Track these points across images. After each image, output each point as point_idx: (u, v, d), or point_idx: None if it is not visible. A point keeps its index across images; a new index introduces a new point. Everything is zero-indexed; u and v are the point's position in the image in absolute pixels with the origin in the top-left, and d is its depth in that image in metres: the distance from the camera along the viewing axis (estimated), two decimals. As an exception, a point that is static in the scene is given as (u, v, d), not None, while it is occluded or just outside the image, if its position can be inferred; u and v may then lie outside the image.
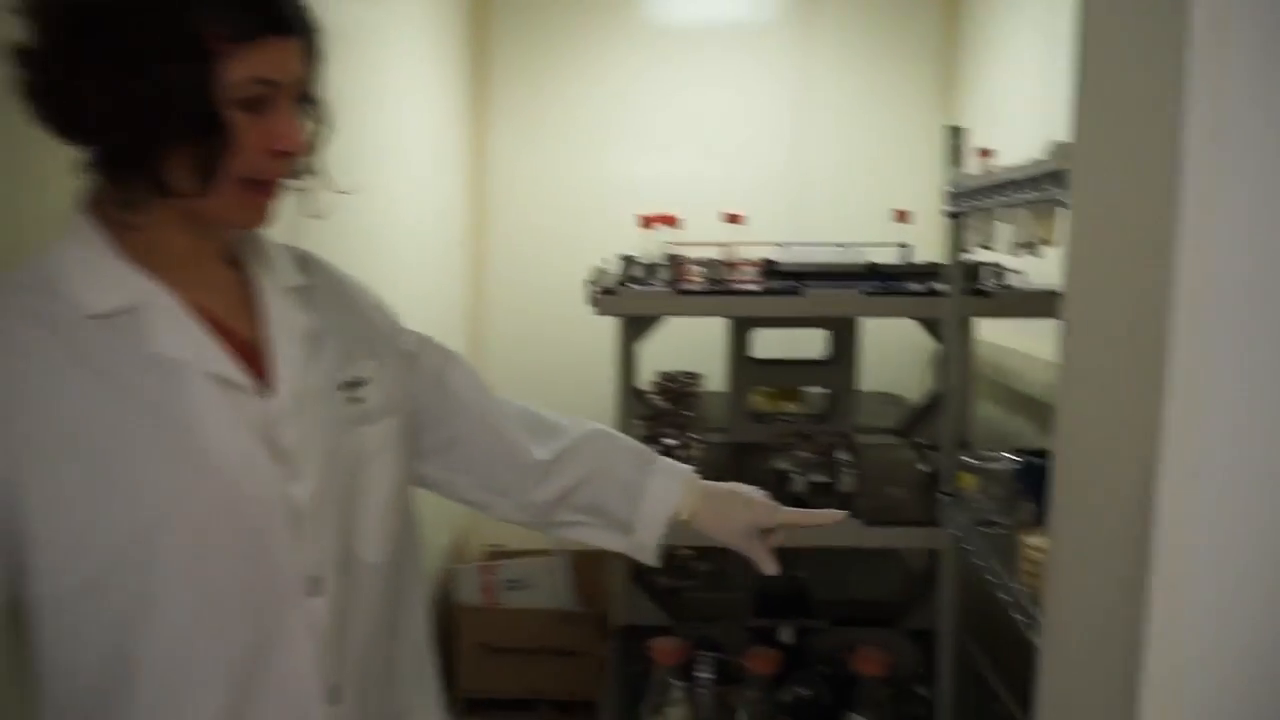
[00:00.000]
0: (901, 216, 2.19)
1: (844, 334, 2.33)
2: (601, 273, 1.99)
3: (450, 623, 2.94)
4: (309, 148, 0.95)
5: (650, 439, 2.10)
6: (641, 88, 3.50)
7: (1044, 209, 1.13)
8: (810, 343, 2.58)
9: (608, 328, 3.29)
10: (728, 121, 3.49)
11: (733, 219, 2.35)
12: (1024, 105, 2.80)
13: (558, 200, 3.53)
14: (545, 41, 3.51)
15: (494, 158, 3.56)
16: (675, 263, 1.92)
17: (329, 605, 0.93)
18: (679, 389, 2.68)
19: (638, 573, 2.29)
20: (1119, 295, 0.75)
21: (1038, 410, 2.22)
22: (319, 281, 1.04)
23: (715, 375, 2.88)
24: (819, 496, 1.82)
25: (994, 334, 2.37)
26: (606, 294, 1.86)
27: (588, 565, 3.20)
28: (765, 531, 1.18)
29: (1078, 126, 0.84)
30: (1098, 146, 0.82)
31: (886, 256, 2.05)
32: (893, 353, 2.94)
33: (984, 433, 2.41)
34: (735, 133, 3.48)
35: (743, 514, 1.18)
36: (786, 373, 2.50)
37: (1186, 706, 0.69)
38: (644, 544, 1.17)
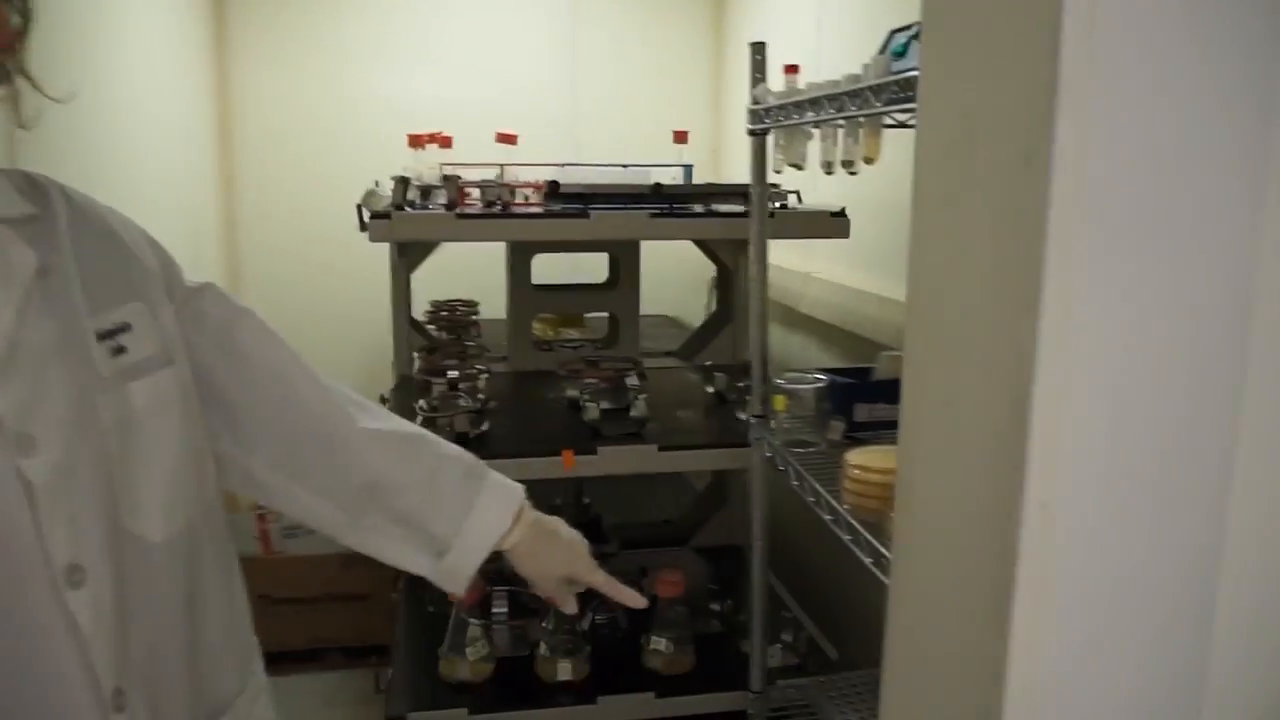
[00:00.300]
0: (680, 137, 2.16)
1: (626, 258, 2.29)
2: (372, 195, 1.84)
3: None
4: (10, 44, 0.80)
5: (431, 371, 2.00)
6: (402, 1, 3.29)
7: (871, 125, 1.11)
8: (590, 267, 2.53)
9: (378, 255, 3.14)
10: (497, 39, 3.36)
11: (507, 139, 2.24)
12: (793, 25, 2.85)
13: (315, 121, 3.29)
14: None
15: (238, 72, 3.25)
16: (451, 185, 1.80)
17: (96, 597, 0.79)
18: (456, 318, 2.58)
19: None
20: (976, 208, 0.72)
21: (817, 329, 2.29)
22: (55, 211, 0.87)
23: (492, 303, 2.79)
24: (611, 423, 1.79)
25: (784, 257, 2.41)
26: (379, 218, 1.72)
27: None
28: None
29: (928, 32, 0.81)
30: (950, 54, 0.80)
31: (669, 177, 2.02)
32: (669, 276, 2.95)
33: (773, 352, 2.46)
34: (506, 51, 3.35)
35: (561, 563, 1.09)
36: (568, 299, 2.45)
37: (1056, 628, 0.69)
38: (456, 570, 1.04)
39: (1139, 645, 0.72)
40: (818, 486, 1.24)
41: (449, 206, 1.77)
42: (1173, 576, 0.72)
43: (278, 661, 3.00)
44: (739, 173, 2.81)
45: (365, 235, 1.75)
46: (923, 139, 0.81)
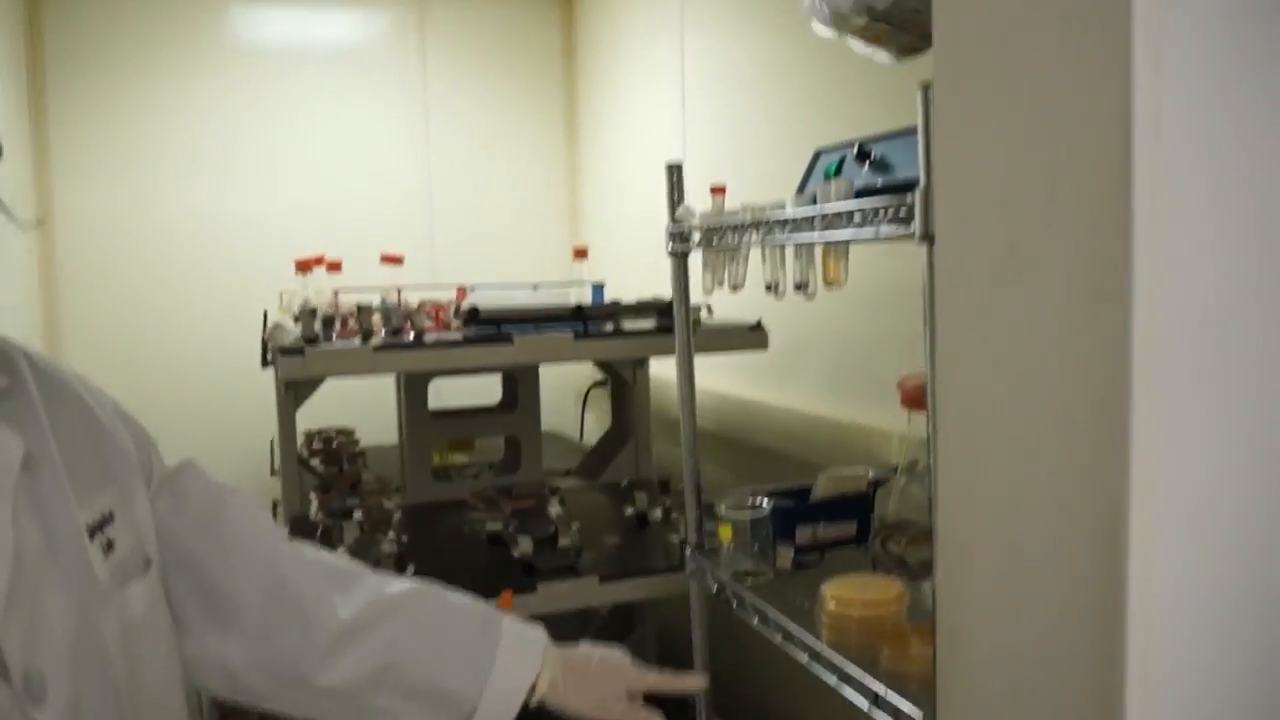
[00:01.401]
0: (579, 254, 2.15)
1: (526, 378, 2.24)
2: (279, 329, 1.73)
3: None
4: None
5: (336, 512, 1.87)
6: (252, 117, 3.17)
7: (838, 250, 1.12)
8: (478, 388, 2.46)
9: (228, 387, 2.95)
10: (361, 159, 3.27)
11: (393, 260, 2.17)
12: (645, 134, 2.92)
13: (143, 244, 3.08)
14: (115, 69, 3.05)
15: (64, 200, 3.02)
16: (365, 315, 1.72)
17: None
18: (338, 450, 2.45)
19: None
20: (1035, 344, 0.73)
21: (718, 443, 2.29)
22: (25, 381, 0.75)
23: (365, 427, 2.66)
24: (544, 557, 1.71)
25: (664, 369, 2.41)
26: (290, 354, 1.61)
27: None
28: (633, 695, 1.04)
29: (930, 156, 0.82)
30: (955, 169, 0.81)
31: (578, 295, 2.00)
32: (548, 392, 2.91)
33: (666, 465, 2.44)
34: (371, 168, 3.28)
35: (609, 685, 1.02)
36: (467, 424, 2.36)
37: None
38: None
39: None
40: (789, 624, 1.19)
41: (364, 339, 1.68)
42: None
43: None
44: (601, 276, 2.83)
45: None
46: (947, 268, 0.81)
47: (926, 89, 0.81)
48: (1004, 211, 0.74)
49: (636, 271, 2.69)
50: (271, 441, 2.32)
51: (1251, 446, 0.69)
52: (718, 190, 1.41)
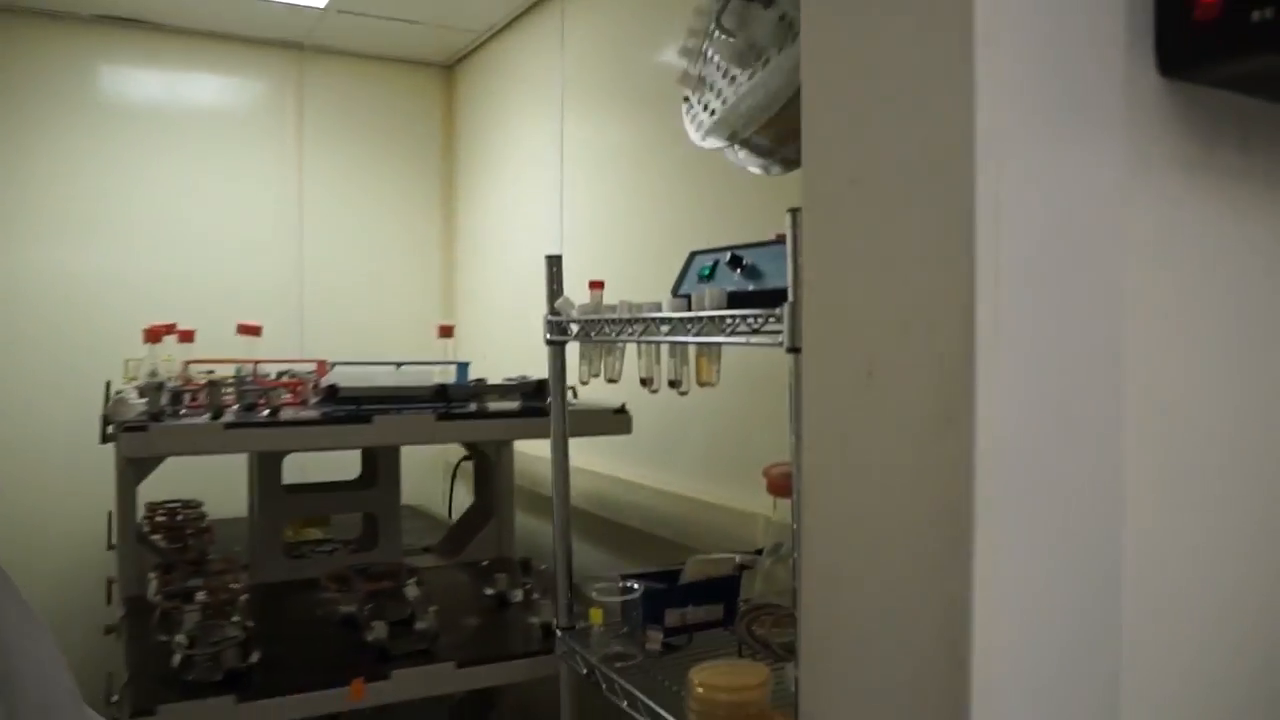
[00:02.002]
0: (445, 332, 2.14)
1: (385, 454, 2.20)
2: (121, 403, 1.65)
3: None
4: None
5: (177, 594, 1.78)
6: (113, 176, 3.04)
7: (711, 351, 1.16)
8: (332, 462, 2.39)
9: (56, 461, 2.78)
10: (229, 223, 3.17)
11: (250, 331, 2.12)
12: (522, 217, 2.94)
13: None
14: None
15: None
16: (215, 390, 1.66)
17: None
18: (182, 524, 2.33)
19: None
20: (894, 459, 0.77)
21: (589, 521, 2.28)
22: None
23: (210, 498, 2.54)
24: (399, 641, 1.67)
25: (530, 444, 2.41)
26: (133, 430, 1.54)
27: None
28: None
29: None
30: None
31: (440, 374, 1.98)
32: (416, 464, 2.85)
33: (531, 541, 2.42)
34: (239, 235, 3.18)
35: None
36: (323, 500, 2.29)
37: None
38: None
39: None
40: (658, 708, 1.21)
41: (215, 415, 1.62)
42: None
43: None
44: (472, 355, 2.81)
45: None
46: (812, 382, 0.86)
47: (795, 213, 0.86)
48: (863, 335, 0.79)
49: (508, 351, 2.69)
50: (110, 514, 2.20)
51: (1073, 545, 0.75)
52: (596, 285, 1.44)
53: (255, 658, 1.59)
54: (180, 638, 1.58)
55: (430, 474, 3.08)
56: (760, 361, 1.48)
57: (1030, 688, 0.73)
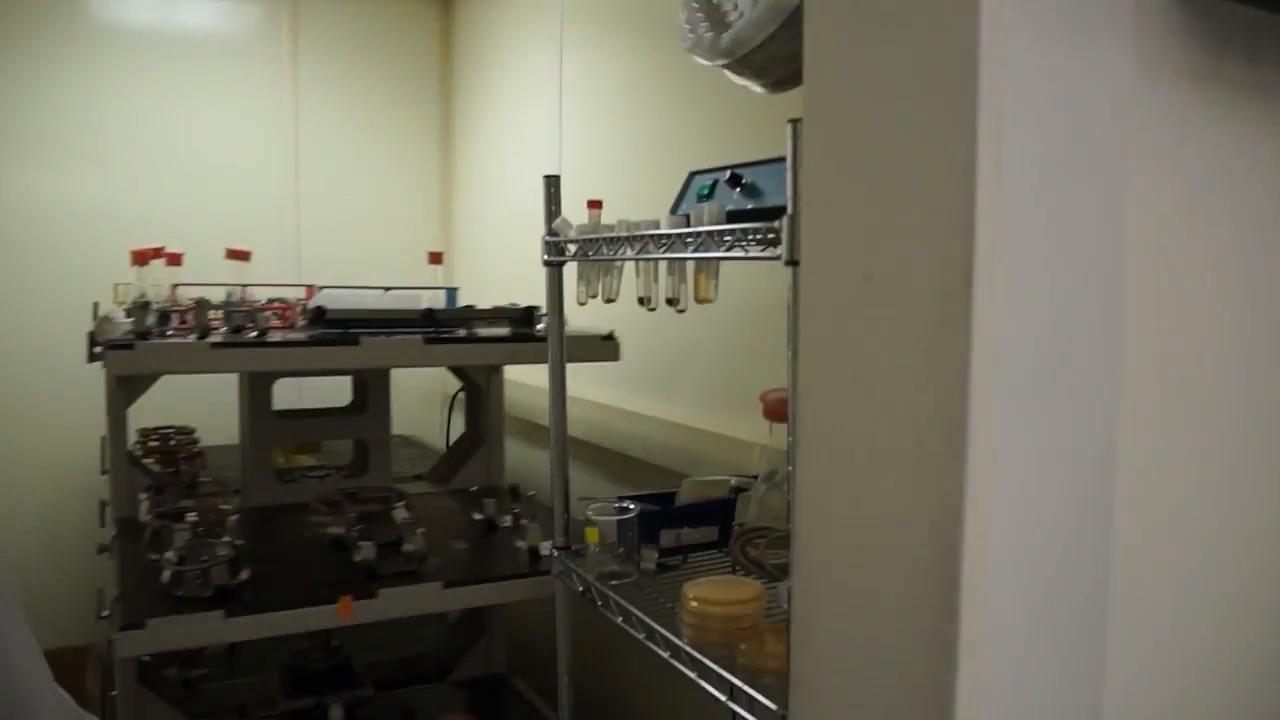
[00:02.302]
0: (435, 258, 2.12)
1: (376, 381, 2.19)
2: (107, 322, 1.63)
3: None
4: None
5: (169, 514, 1.78)
6: (105, 101, 2.98)
7: (710, 267, 1.15)
8: (326, 390, 2.39)
9: (54, 382, 2.78)
10: (223, 150, 3.12)
11: (239, 255, 2.09)
12: (521, 143, 2.90)
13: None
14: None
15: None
16: (202, 311, 1.64)
17: None
18: (174, 449, 2.33)
19: (142, 670, 1.92)
20: (887, 366, 0.76)
21: (584, 450, 2.28)
22: None
23: (205, 425, 2.54)
24: (387, 562, 1.68)
25: (520, 374, 2.40)
26: (118, 349, 1.53)
27: (65, 666, 2.63)
28: None
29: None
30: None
31: (430, 299, 1.97)
32: (402, 394, 2.85)
33: (525, 470, 2.43)
34: (232, 162, 3.12)
35: None
36: (313, 425, 2.29)
37: None
38: None
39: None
40: (652, 623, 1.22)
41: (201, 335, 1.61)
42: (1071, 701, 0.79)
43: None
44: (469, 283, 2.80)
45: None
46: (810, 292, 0.85)
47: (795, 124, 0.85)
48: (861, 242, 0.78)
49: (504, 279, 2.67)
50: (102, 438, 2.20)
51: (1067, 455, 0.75)
52: (594, 204, 1.42)
53: (245, 575, 1.60)
54: (170, 555, 1.59)
55: (428, 406, 3.08)
56: (758, 288, 1.47)
57: (1021, 595, 0.73)
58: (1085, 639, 0.78)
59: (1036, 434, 0.73)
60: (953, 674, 0.70)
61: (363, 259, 3.11)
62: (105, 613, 1.56)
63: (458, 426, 2.93)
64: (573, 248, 1.40)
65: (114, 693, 2.07)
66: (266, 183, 3.16)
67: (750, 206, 1.18)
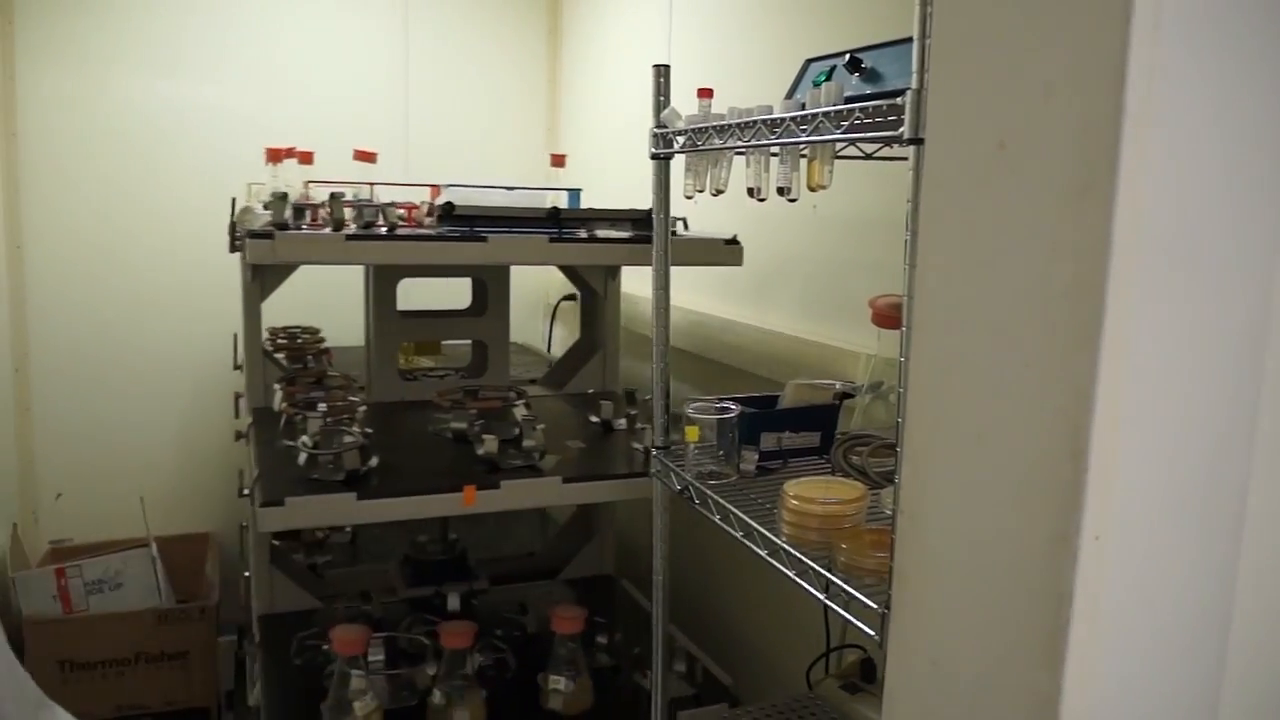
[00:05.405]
0: (557, 161, 2.13)
1: (496, 283, 2.22)
2: (248, 213, 1.69)
3: (16, 646, 2.43)
4: None
5: (302, 404, 1.85)
6: (228, 14, 3.06)
7: (824, 153, 1.12)
8: (445, 292, 2.44)
9: (189, 278, 2.91)
10: (338, 57, 3.18)
11: (365, 157, 2.13)
12: (630, 42, 2.87)
13: (113, 132, 2.98)
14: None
15: (26, 78, 2.91)
16: (337, 204, 1.68)
17: None
18: (303, 346, 2.43)
19: (273, 554, 2.03)
20: (1018, 240, 0.73)
21: (688, 359, 2.29)
22: None
23: (329, 327, 2.64)
24: (508, 456, 1.72)
25: (632, 285, 2.41)
26: (259, 238, 1.58)
27: (185, 551, 2.80)
28: None
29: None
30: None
31: (553, 200, 1.98)
32: (517, 304, 2.89)
33: (630, 380, 2.45)
34: (345, 69, 3.19)
35: None
36: (435, 326, 2.34)
37: (1106, 660, 0.69)
38: None
39: (1175, 667, 0.75)
40: (751, 521, 1.21)
41: (335, 227, 1.65)
42: (1200, 601, 0.75)
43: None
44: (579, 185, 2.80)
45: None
46: (935, 167, 0.81)
47: None
48: (995, 110, 0.74)
49: (615, 183, 2.67)
50: (235, 336, 2.29)
51: (1213, 346, 0.71)
52: (705, 93, 1.38)
53: (374, 462, 1.66)
54: (304, 439, 1.66)
55: (531, 315, 3.12)
56: (862, 205, 1.43)
57: (1152, 487, 0.70)
58: (1220, 536, 0.74)
59: (1181, 313, 0.68)
60: (1073, 566, 0.68)
61: (472, 163, 3.15)
62: (246, 491, 1.65)
63: (559, 335, 2.97)
64: (681, 140, 1.37)
65: (247, 574, 2.20)
66: (377, 86, 3.21)
67: (870, 91, 1.13)
